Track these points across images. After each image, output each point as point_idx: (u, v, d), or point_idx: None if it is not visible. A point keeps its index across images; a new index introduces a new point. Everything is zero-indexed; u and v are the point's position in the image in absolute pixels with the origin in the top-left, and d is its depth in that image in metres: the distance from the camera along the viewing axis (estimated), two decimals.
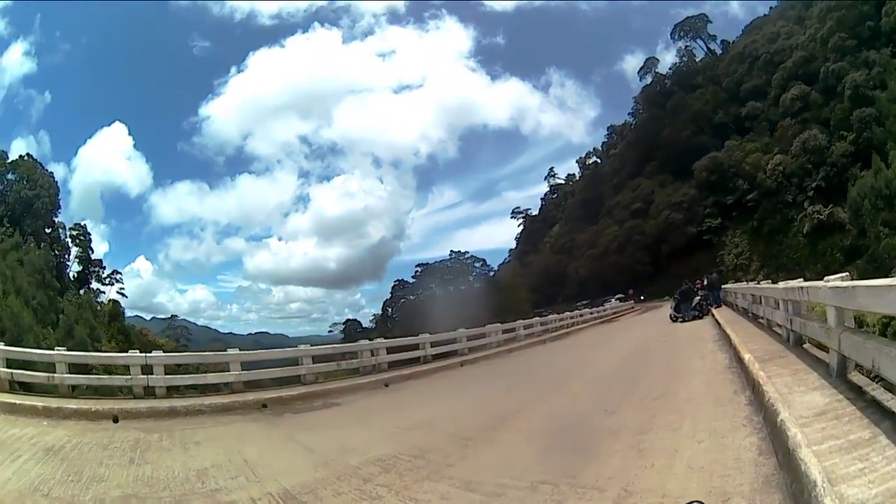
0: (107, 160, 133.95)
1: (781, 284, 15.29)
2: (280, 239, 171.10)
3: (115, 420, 14.96)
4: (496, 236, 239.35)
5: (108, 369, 20.62)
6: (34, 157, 74.72)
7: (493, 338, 32.70)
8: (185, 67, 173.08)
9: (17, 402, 16.21)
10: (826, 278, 9.24)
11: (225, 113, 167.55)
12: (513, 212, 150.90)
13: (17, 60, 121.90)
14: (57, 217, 71.20)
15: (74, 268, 73.77)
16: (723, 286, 43.80)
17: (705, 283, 43.49)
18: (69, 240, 72.85)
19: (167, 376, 19.10)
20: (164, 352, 23.12)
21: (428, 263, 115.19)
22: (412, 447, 10.38)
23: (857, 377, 8.37)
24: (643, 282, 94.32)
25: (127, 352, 21.78)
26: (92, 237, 78.71)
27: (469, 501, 7.36)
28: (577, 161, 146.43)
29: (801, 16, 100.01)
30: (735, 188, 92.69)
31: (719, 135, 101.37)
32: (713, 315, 33.60)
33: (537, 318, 44.00)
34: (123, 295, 79.36)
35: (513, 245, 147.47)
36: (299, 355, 21.61)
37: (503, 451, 9.69)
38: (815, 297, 9.97)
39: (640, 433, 9.34)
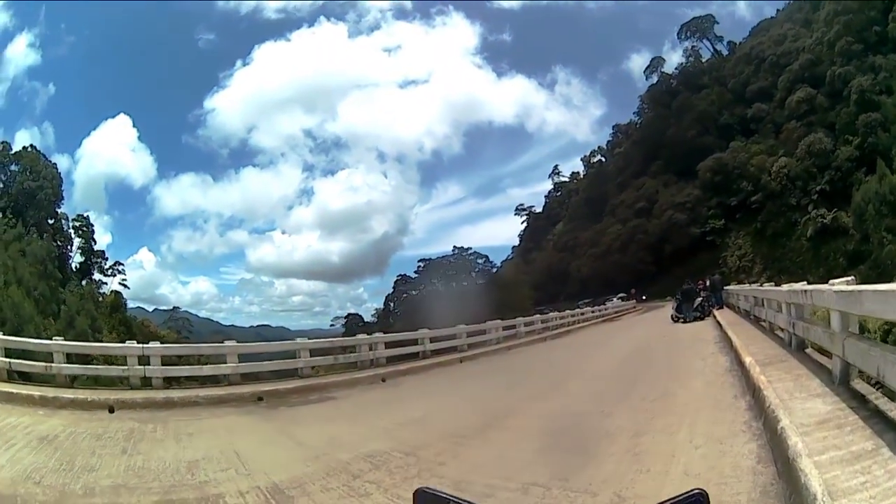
0: (111, 152, 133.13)
1: (785, 287, 15.15)
2: (283, 232, 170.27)
3: (111, 410, 14.99)
4: (499, 233, 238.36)
5: (109, 360, 20.48)
6: (38, 148, 74.76)
7: (493, 334, 32.62)
8: (190, 60, 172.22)
9: (15, 391, 16.33)
10: (831, 282, 9.09)
11: (230, 106, 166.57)
12: (516, 209, 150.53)
13: (22, 52, 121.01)
14: (60, 208, 71.20)
15: (77, 259, 73.61)
16: (725, 287, 43.63)
17: (707, 284, 43.42)
18: (72, 231, 72.70)
19: (164, 367, 19.16)
20: (162, 343, 22.99)
21: (430, 259, 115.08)
22: (404, 444, 10.33)
23: (860, 385, 8.18)
24: (645, 281, 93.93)
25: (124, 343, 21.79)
26: (95, 228, 78.42)
27: None
28: (581, 159, 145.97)
29: (808, 19, 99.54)
30: (739, 190, 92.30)
31: (724, 136, 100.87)
32: (715, 316, 33.50)
33: (538, 316, 43.85)
34: (125, 286, 78.93)
35: (516, 242, 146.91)
36: (297, 348, 21.58)
37: (496, 451, 9.56)
38: (819, 300, 9.78)
39: (637, 436, 9.24)
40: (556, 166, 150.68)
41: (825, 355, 10.67)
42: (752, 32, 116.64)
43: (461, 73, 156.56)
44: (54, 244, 61.75)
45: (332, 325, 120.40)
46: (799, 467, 5.42)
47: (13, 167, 67.92)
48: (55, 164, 74.45)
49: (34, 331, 31.37)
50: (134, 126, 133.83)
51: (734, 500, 5.98)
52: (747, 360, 12.78)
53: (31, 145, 74.33)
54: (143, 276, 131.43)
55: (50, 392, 16.19)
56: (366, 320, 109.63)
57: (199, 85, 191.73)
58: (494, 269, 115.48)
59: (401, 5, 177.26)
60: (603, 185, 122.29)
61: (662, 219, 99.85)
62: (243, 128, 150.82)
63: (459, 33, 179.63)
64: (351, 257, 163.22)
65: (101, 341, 36.84)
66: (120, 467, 9.65)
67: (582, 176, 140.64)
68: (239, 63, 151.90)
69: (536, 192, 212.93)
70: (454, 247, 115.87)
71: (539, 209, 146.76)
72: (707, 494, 1.90)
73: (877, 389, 7.61)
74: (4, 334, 20.76)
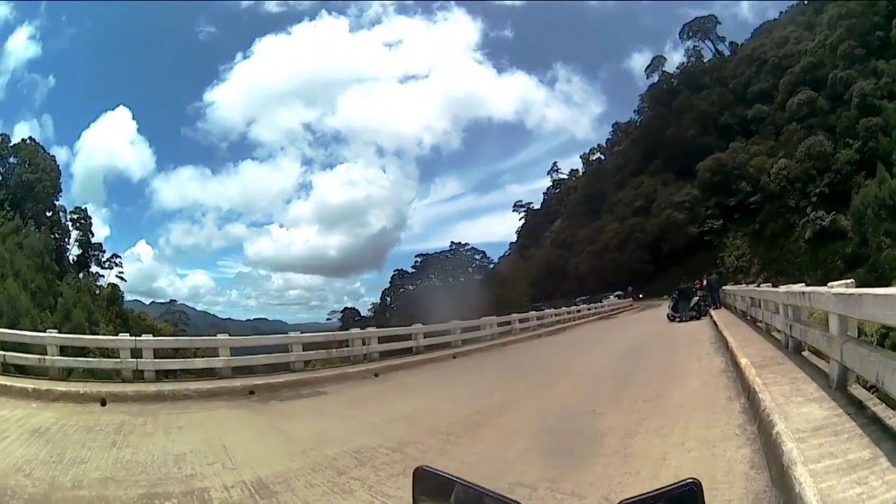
0: (110, 144, 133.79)
1: (782, 288, 14.96)
2: (281, 226, 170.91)
3: (103, 403, 14.99)
4: (497, 229, 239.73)
5: (105, 352, 20.40)
6: (37, 140, 74.92)
7: (487, 331, 32.45)
8: (190, 53, 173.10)
9: (9, 384, 16.26)
10: (829, 284, 8.91)
11: (229, 99, 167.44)
12: (515, 205, 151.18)
13: (22, 45, 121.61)
14: (58, 200, 71.48)
15: (74, 251, 74.35)
16: (722, 287, 43.52)
17: (704, 283, 43.36)
18: (69, 223, 73.22)
19: (156, 360, 19.01)
20: (155, 336, 22.89)
21: (428, 254, 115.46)
22: (392, 440, 10.24)
23: (857, 390, 8.00)
24: (642, 280, 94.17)
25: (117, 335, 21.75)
26: (93, 221, 79.27)
27: None
28: (580, 157, 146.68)
29: (811, 22, 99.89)
30: (738, 190, 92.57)
31: (724, 136, 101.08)
32: (711, 316, 33.43)
33: (533, 313, 43.83)
34: (123, 279, 79.71)
35: (514, 238, 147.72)
36: (289, 342, 21.54)
37: (484, 449, 9.41)
38: (818, 303, 9.65)
39: (628, 437, 9.09)
40: (555, 163, 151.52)
41: (822, 358, 10.57)
42: (754, 34, 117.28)
43: (462, 69, 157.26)
44: (52, 237, 62.04)
45: (328, 319, 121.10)
46: (793, 475, 5.23)
47: (12, 159, 68.12)
48: (54, 156, 75.00)
49: (31, 324, 31.39)
50: (133, 118, 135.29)
51: None
52: (743, 361, 12.63)
53: (30, 137, 74.70)
54: (140, 269, 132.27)
55: (43, 385, 16.20)
56: (362, 315, 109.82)
57: (199, 78, 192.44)
58: (492, 266, 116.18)
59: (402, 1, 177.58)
60: (602, 182, 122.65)
61: (661, 218, 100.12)
62: (243, 121, 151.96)
63: (461, 29, 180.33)
64: (348, 252, 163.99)
65: (98, 334, 36.68)
66: (109, 460, 9.62)
67: (581, 173, 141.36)
68: (239, 56, 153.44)
69: (535, 189, 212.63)
70: (452, 242, 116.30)
71: (537, 206, 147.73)
72: (700, 484, 1.83)
73: (874, 395, 7.46)
74: (0, 327, 20.68)
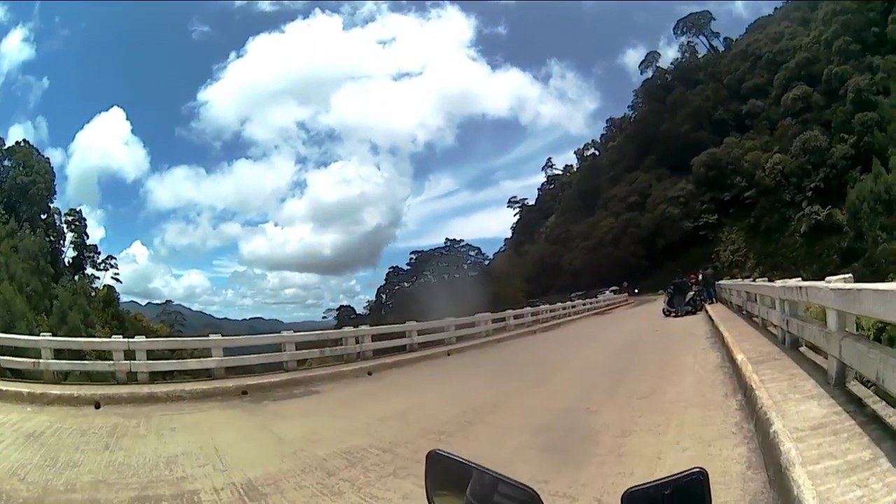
0: (104, 145, 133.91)
1: (779, 283, 14.85)
2: (276, 224, 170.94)
3: (97, 406, 15.03)
4: (492, 225, 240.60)
5: (101, 355, 20.36)
6: (31, 143, 74.73)
7: (482, 327, 32.34)
8: (184, 52, 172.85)
9: (4, 388, 16.43)
10: (827, 279, 8.75)
11: (223, 98, 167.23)
12: (509, 201, 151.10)
13: (16, 47, 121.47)
14: (53, 202, 71.24)
15: (69, 253, 74.19)
16: (717, 282, 43.47)
17: (699, 278, 43.30)
18: (64, 225, 73.17)
19: (149, 362, 19.06)
20: (147, 337, 22.79)
21: (423, 251, 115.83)
22: (383, 440, 10.21)
23: (856, 387, 7.85)
24: (638, 275, 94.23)
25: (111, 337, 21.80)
26: (87, 222, 79.24)
27: None
28: (575, 152, 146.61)
29: (806, 17, 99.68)
30: (733, 185, 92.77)
31: (719, 131, 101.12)
32: (707, 311, 33.35)
33: (528, 309, 43.79)
34: (118, 280, 80.00)
35: (508, 234, 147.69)
36: (282, 341, 21.51)
37: (476, 448, 9.23)
38: (815, 298, 9.50)
39: (622, 436, 8.98)
40: (549, 159, 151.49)
41: (820, 354, 10.44)
42: (748, 29, 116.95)
43: (455, 66, 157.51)
44: (47, 239, 61.53)
45: (324, 318, 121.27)
46: (792, 477, 5.08)
47: (6, 162, 67.88)
48: (48, 158, 74.60)
49: (26, 327, 31.66)
50: (127, 119, 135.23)
51: None
52: (739, 357, 12.52)
53: (24, 140, 74.50)
54: (136, 270, 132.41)
55: (38, 388, 16.37)
56: (358, 312, 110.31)
57: (192, 77, 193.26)
58: (486, 262, 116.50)
59: None
60: (596, 178, 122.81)
61: (655, 213, 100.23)
62: (237, 120, 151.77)
63: (454, 26, 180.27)
64: (343, 249, 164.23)
65: (94, 336, 36.64)
66: (101, 463, 9.66)
67: (575, 169, 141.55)
68: (233, 55, 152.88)
69: (529, 185, 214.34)
70: (446, 239, 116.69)
71: (532, 202, 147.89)
72: (707, 473, 1.84)
73: (874, 392, 7.30)
74: None
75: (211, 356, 19.80)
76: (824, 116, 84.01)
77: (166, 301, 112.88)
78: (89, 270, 75.81)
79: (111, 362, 18.83)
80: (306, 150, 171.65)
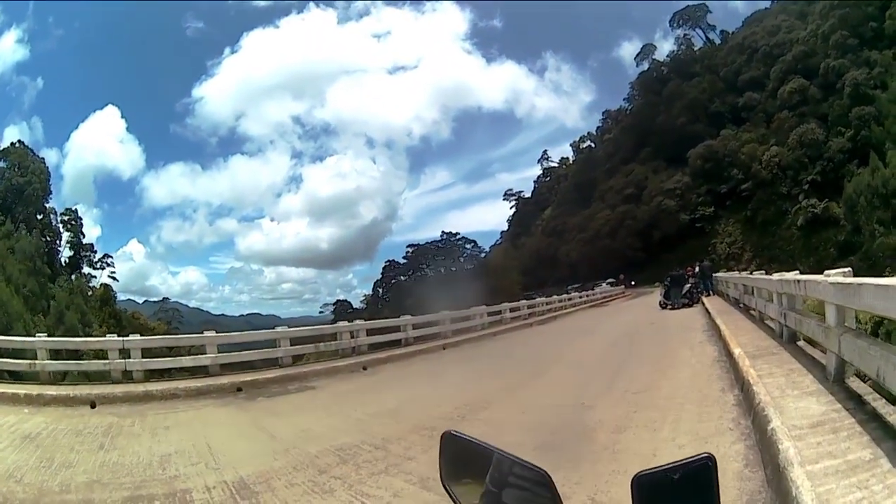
0: (99, 144, 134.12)
1: (776, 276, 14.71)
2: (272, 219, 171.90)
3: (93, 406, 15.16)
4: (488, 218, 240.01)
5: (99, 354, 20.36)
6: (26, 143, 74.77)
7: (477, 320, 32.38)
8: (178, 49, 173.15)
9: (1, 390, 16.59)
10: (826, 273, 8.61)
11: (218, 94, 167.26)
12: (505, 194, 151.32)
13: (10, 48, 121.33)
14: (49, 202, 71.47)
15: (66, 253, 74.31)
16: (714, 274, 43.42)
17: (696, 270, 43.31)
18: (60, 225, 73.22)
19: (144, 360, 19.19)
20: (143, 335, 22.82)
21: (419, 244, 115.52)
22: (376, 437, 10.22)
23: (856, 383, 7.72)
24: (634, 267, 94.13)
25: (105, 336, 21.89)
26: (83, 221, 79.14)
27: (422, 501, 6.95)
28: (570, 145, 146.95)
29: (804, 11, 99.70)
30: (729, 177, 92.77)
31: (715, 124, 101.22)
32: (703, 304, 33.31)
33: (524, 301, 43.77)
34: (115, 279, 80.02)
35: (504, 227, 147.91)
36: (277, 337, 21.49)
37: None
38: (814, 292, 9.38)
39: (617, 432, 8.92)
40: (545, 151, 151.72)
41: (818, 348, 10.33)
42: (745, 22, 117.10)
43: (451, 59, 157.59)
44: (43, 239, 61.88)
45: (321, 312, 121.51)
46: (790, 478, 4.95)
47: (1, 164, 68.07)
48: (43, 158, 74.98)
49: (24, 328, 31.90)
50: (122, 117, 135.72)
51: None
52: (736, 351, 12.44)
53: (19, 141, 74.62)
54: (132, 268, 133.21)
55: (34, 389, 16.56)
56: (355, 306, 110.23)
57: (187, 73, 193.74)
58: (483, 255, 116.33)
59: None
60: (592, 170, 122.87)
61: (651, 205, 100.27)
62: (232, 116, 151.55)
63: (449, 19, 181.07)
64: (340, 244, 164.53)
65: (91, 335, 36.67)
66: (96, 463, 9.71)
67: (571, 161, 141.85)
68: (227, 51, 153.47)
69: (525, 178, 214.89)
70: (443, 232, 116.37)
71: (528, 194, 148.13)
72: (715, 459, 1.81)
73: (874, 389, 7.17)
74: None
75: (205, 353, 19.83)
76: (821, 110, 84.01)
77: (163, 298, 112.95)
78: (86, 270, 76.10)
79: (106, 361, 18.92)
80: (302, 144, 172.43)
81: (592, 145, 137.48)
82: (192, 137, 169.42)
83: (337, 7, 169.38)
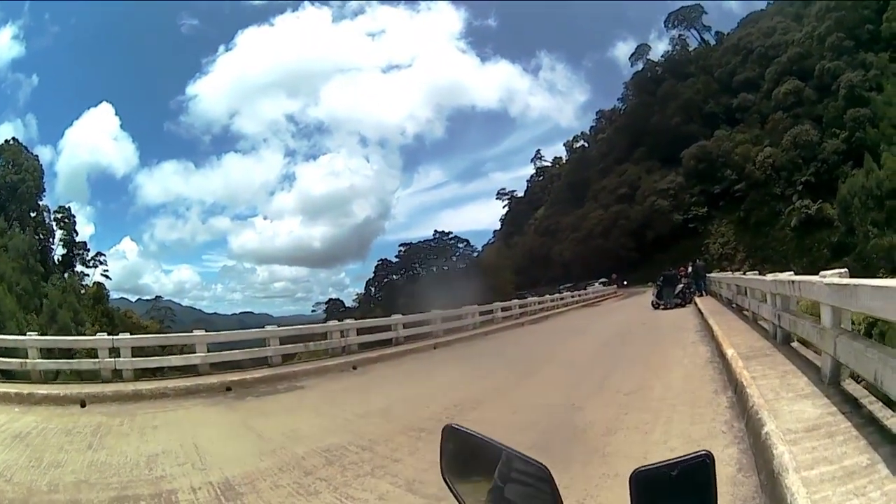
0: (93, 141, 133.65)
1: (770, 277, 14.60)
2: (265, 218, 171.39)
3: (83, 405, 15.14)
4: (481, 217, 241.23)
5: (92, 353, 20.27)
6: (20, 141, 74.70)
7: (468, 320, 32.27)
8: (173, 46, 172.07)
9: None
10: (822, 273, 8.48)
11: (212, 92, 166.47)
12: (498, 193, 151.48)
13: (6, 45, 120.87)
14: (42, 200, 71.48)
15: (59, 251, 74.37)
16: (707, 275, 43.39)
17: (689, 270, 43.31)
18: (53, 223, 73.24)
19: (134, 359, 19.16)
20: (132, 334, 22.74)
21: (412, 243, 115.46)
22: (363, 437, 10.16)
23: (851, 386, 7.61)
24: (627, 267, 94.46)
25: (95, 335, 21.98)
26: (77, 219, 79.34)
27: None
28: (564, 144, 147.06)
29: (799, 13, 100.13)
30: (723, 178, 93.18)
31: (709, 124, 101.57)
32: (696, 304, 33.28)
33: (516, 301, 43.72)
34: (108, 277, 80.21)
35: (497, 226, 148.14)
36: (266, 336, 21.40)
37: None
38: (809, 293, 9.29)
39: (608, 434, 8.80)
40: (538, 151, 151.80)
41: (813, 349, 10.20)
42: (740, 24, 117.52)
43: (445, 58, 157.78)
44: (36, 237, 62.12)
45: (313, 311, 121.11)
46: (785, 484, 4.81)
47: None
48: (37, 156, 74.77)
49: (16, 326, 31.99)
50: (116, 114, 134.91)
51: None
52: (729, 352, 12.35)
53: (14, 138, 74.31)
54: (125, 267, 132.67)
55: (25, 388, 16.58)
56: (347, 305, 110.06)
57: (181, 71, 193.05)
58: (476, 254, 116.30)
59: None
60: (585, 170, 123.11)
61: (645, 205, 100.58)
62: (226, 113, 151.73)
63: (444, 18, 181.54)
64: (333, 242, 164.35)
65: (84, 334, 36.70)
66: (84, 463, 9.69)
67: (564, 161, 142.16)
68: (222, 48, 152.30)
69: (519, 177, 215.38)
70: (435, 231, 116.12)
71: (521, 193, 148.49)
72: (713, 457, 1.80)
73: (869, 392, 7.03)
74: None
75: (195, 352, 19.78)
76: (816, 111, 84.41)
77: (156, 297, 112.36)
78: (79, 268, 76.26)
79: (96, 360, 18.90)
80: (295, 142, 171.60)
81: (586, 145, 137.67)
82: (185, 135, 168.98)
83: (332, 5, 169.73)
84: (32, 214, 67.34)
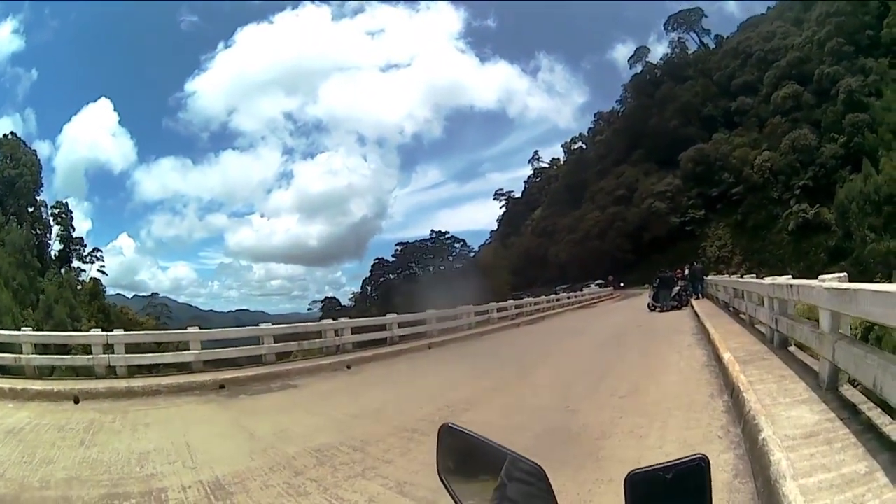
0: (92, 136, 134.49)
1: (768, 280, 14.53)
2: (262, 215, 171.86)
3: (76, 401, 15.14)
4: (478, 217, 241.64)
5: (87, 349, 20.23)
6: (18, 135, 74.56)
7: (464, 320, 32.30)
8: (172, 42, 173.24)
9: None
10: (821, 277, 8.38)
11: (211, 88, 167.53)
12: (496, 193, 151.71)
13: (6, 39, 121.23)
14: (40, 195, 71.14)
15: (56, 246, 74.01)
16: (704, 277, 43.33)
17: (686, 273, 43.27)
18: (51, 218, 72.90)
19: (127, 356, 19.14)
20: (126, 330, 22.59)
21: (408, 243, 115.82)
22: (355, 438, 10.10)
23: (849, 391, 7.53)
24: (623, 269, 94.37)
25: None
26: (74, 215, 78.98)
27: None
28: (562, 146, 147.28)
29: (799, 18, 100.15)
30: (721, 181, 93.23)
31: (707, 127, 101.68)
32: (692, 306, 33.21)
33: (512, 301, 43.71)
34: (104, 273, 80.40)
35: (494, 227, 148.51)
36: (260, 334, 21.33)
37: None
38: (807, 297, 9.18)
39: (602, 438, 8.70)
40: (536, 152, 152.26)
41: (810, 354, 10.16)
42: (740, 28, 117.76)
43: (444, 58, 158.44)
44: (33, 232, 61.90)
45: (309, 309, 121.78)
46: (782, 492, 4.72)
47: None
48: (35, 151, 74.60)
49: (12, 322, 32.09)
50: (115, 110, 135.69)
51: None
52: (726, 356, 12.28)
53: (12, 132, 74.17)
54: (122, 263, 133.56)
55: (19, 384, 16.48)
56: (343, 304, 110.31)
57: (180, 68, 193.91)
58: (472, 254, 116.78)
59: None
60: (583, 171, 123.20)
61: (642, 207, 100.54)
62: (224, 110, 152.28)
63: (444, 18, 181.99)
64: (330, 241, 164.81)
65: (80, 330, 36.62)
66: (76, 459, 9.68)
67: (562, 162, 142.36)
68: (221, 45, 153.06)
69: (516, 178, 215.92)
70: (432, 231, 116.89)
71: (518, 194, 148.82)
72: (708, 460, 1.80)
73: (868, 398, 6.93)
74: None
75: (189, 349, 19.70)
76: (814, 116, 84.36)
77: (152, 293, 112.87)
78: (75, 263, 76.05)
79: (91, 356, 18.84)
80: (293, 140, 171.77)
81: (584, 146, 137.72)
82: (183, 132, 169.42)
83: (331, 4, 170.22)
84: (30, 209, 67.15)
